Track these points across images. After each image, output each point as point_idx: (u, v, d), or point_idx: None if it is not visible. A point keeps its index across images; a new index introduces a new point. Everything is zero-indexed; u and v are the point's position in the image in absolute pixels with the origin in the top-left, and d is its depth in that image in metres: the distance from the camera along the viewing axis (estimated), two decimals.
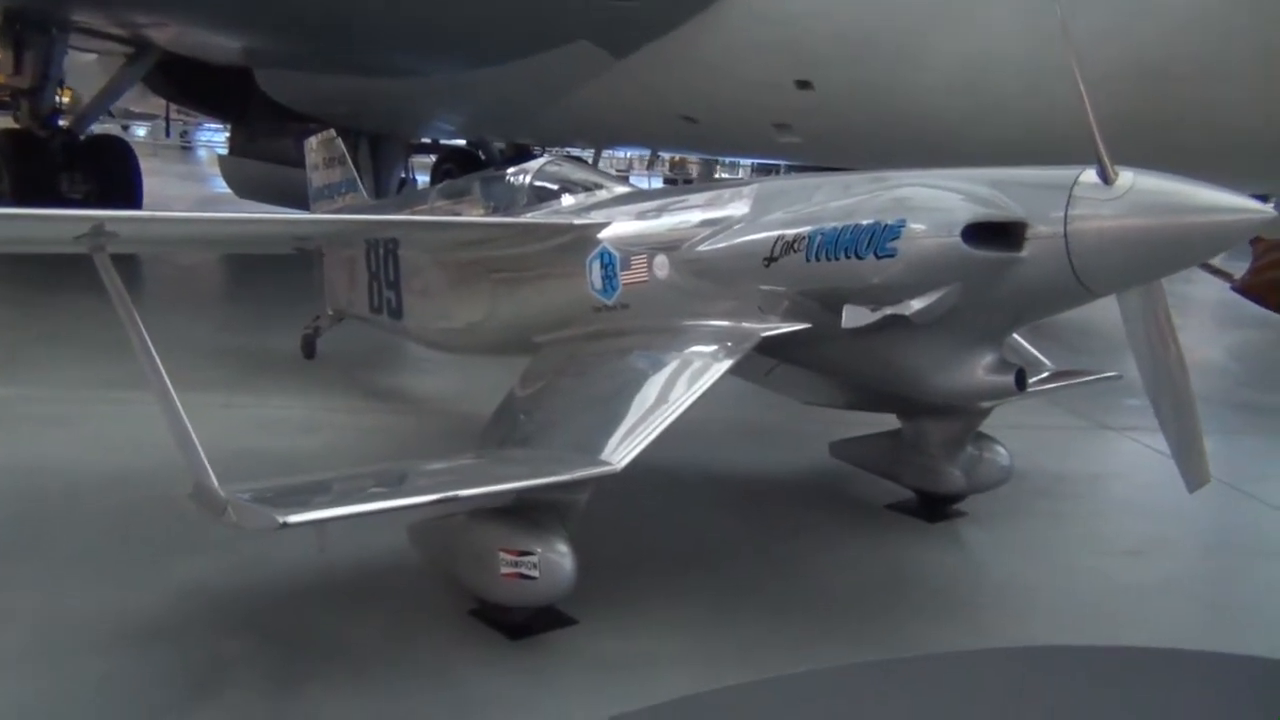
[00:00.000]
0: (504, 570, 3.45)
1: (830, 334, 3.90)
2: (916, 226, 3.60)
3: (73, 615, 3.61)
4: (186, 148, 41.85)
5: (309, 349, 7.44)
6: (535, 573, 3.40)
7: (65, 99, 14.36)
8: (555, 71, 9.53)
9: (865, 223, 3.73)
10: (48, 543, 4.22)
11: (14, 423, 5.75)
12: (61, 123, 13.54)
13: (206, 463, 3.22)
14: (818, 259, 3.83)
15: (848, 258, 3.74)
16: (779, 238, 3.98)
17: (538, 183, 5.42)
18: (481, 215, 5.58)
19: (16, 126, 13.37)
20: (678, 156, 29.51)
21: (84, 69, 16.88)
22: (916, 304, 3.59)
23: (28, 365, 7.02)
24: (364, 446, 5.80)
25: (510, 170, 5.69)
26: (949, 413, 4.73)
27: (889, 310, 3.64)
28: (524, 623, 3.61)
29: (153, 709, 3.12)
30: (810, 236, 3.87)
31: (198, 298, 10.88)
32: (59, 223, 3.87)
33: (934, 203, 3.68)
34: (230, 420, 5.89)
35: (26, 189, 12.30)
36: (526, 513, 3.56)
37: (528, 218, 5.19)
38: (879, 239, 3.66)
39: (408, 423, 6.36)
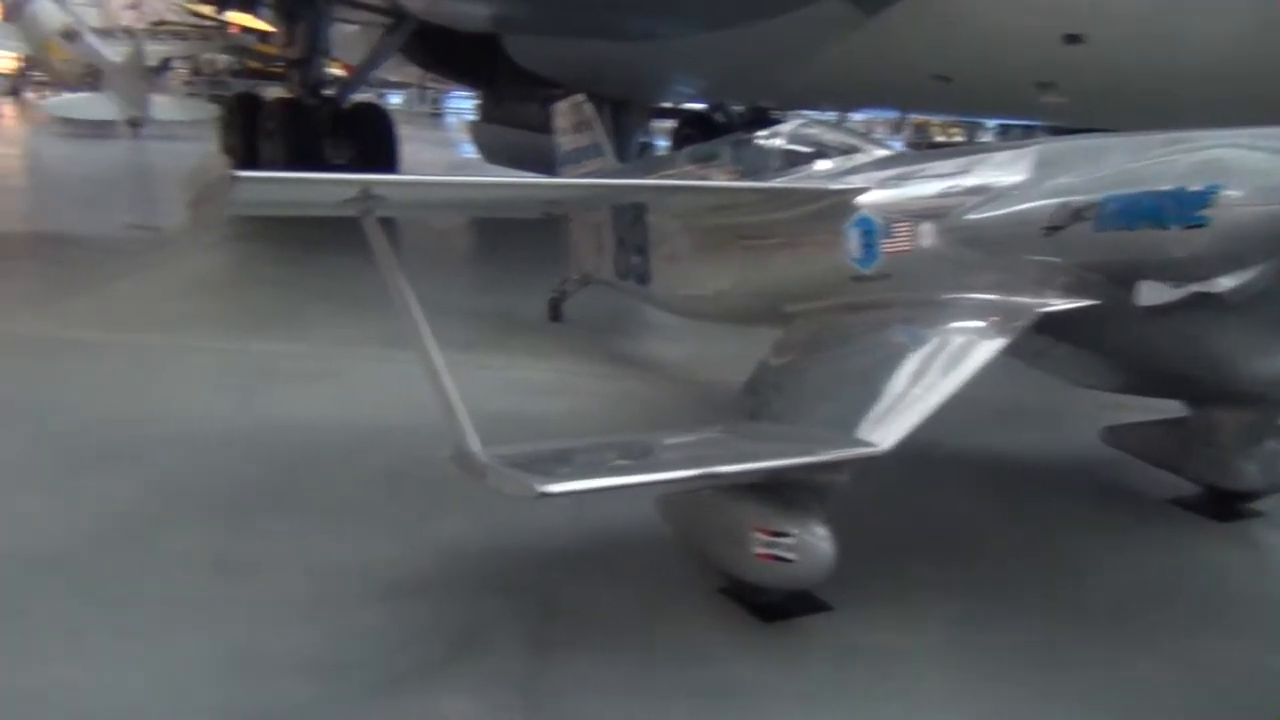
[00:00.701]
0: (758, 550, 3.33)
1: (1119, 312, 3.56)
2: (1231, 193, 3.21)
3: (343, 567, 3.77)
4: (436, 115, 43.80)
5: (555, 312, 7.56)
6: (792, 555, 3.26)
7: (337, 70, 15.19)
8: (803, 31, 9.24)
9: (1168, 188, 3.36)
10: (320, 495, 4.42)
11: (286, 378, 6.10)
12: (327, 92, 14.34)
13: (470, 427, 3.25)
14: (1110, 228, 3.49)
15: (1146, 227, 3.38)
16: (1064, 204, 3.65)
17: (791, 146, 5.24)
18: (731, 180, 5.45)
19: (288, 96, 14.28)
20: (921, 119, 28.36)
21: (347, 40, 17.85)
22: (1228, 281, 3.20)
23: (297, 322, 7.44)
24: (609, 412, 5.82)
25: (761, 133, 5.53)
26: (1247, 401, 4.24)
27: (1195, 287, 3.27)
28: (777, 605, 3.49)
29: (418, 663, 3.20)
30: (1102, 203, 3.52)
31: (450, 260, 11.28)
32: (331, 186, 4.00)
33: (1251, 166, 3.27)
34: (481, 381, 6.02)
35: (296, 155, 13.09)
36: (782, 491, 3.42)
37: (780, 182, 5.02)
38: (1185, 207, 3.28)
39: (652, 389, 6.33)
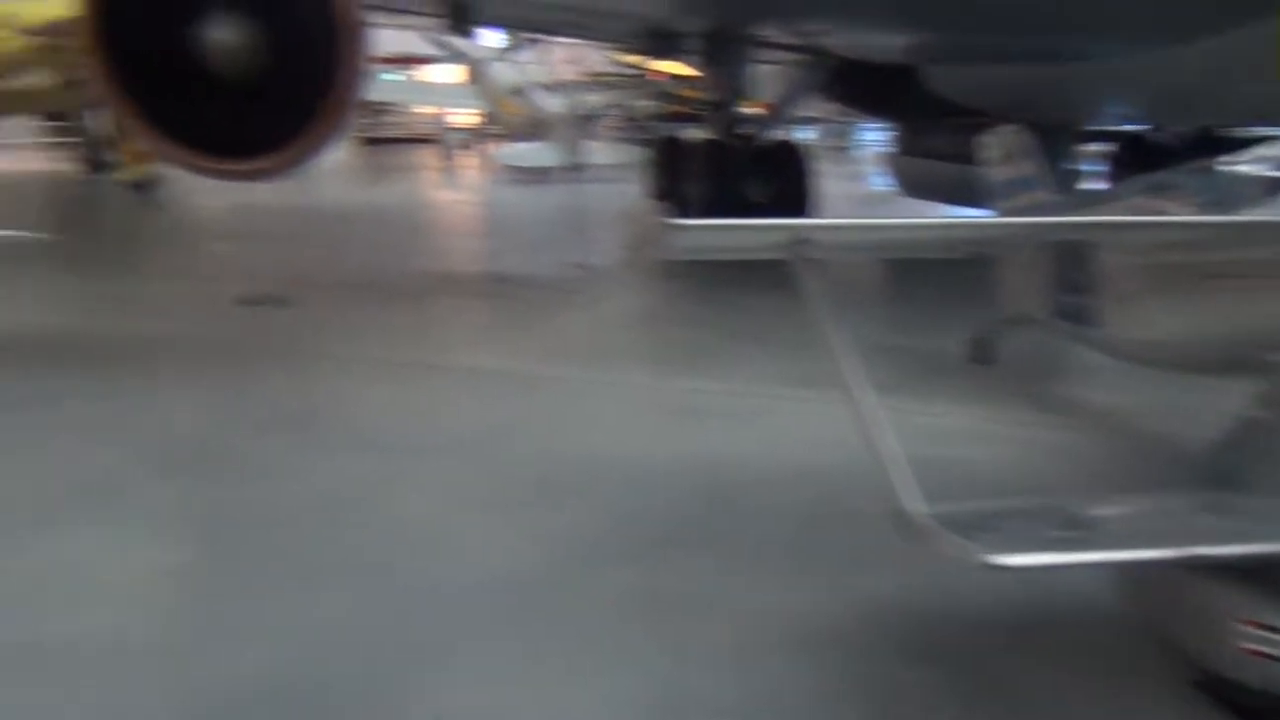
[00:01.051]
0: (1243, 645, 2.87)
1: None
2: None
3: (764, 612, 3.76)
4: (843, 148, 43.98)
5: (983, 354, 7.15)
6: None
7: (754, 110, 15.57)
8: (1264, 40, 8.20)
9: None
10: (744, 536, 4.45)
11: (712, 415, 6.24)
12: (744, 131, 14.72)
13: (911, 484, 3.09)
14: None
15: None
16: None
17: (1271, 172, 4.59)
18: (1193, 213, 4.87)
19: (709, 137, 14.81)
20: None
21: (763, 78, 18.31)
22: None
23: (721, 360, 7.59)
24: (1034, 464, 5.40)
25: (1233, 158, 4.90)
26: None
27: None
28: (1266, 710, 3.00)
29: None
30: None
31: (862, 296, 11.11)
32: (764, 233, 4.02)
33: None
34: (898, 425, 5.81)
35: (718, 195, 13.52)
36: (1274, 577, 2.94)
37: (1258, 215, 4.41)
38: None
39: (1083, 442, 5.80)
